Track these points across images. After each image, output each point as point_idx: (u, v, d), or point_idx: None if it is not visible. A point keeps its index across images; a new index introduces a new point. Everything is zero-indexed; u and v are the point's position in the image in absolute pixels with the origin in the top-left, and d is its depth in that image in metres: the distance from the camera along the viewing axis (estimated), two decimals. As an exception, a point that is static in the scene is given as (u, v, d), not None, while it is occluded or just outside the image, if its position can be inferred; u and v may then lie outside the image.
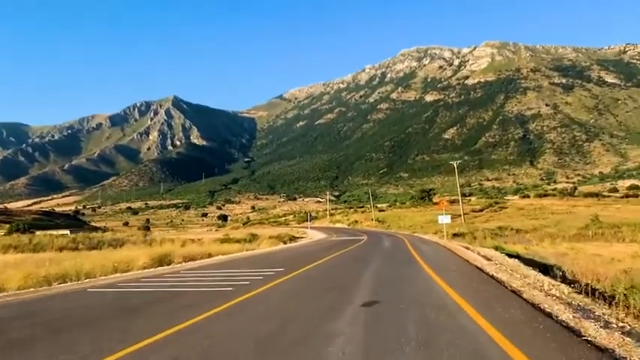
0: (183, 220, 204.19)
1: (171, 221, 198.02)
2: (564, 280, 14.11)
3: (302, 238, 62.43)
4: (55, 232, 69.10)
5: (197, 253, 29.35)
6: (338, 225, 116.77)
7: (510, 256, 22.62)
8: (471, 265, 19.41)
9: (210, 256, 29.42)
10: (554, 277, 14.55)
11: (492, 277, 14.87)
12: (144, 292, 13.84)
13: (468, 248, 29.57)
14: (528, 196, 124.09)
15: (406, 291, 12.66)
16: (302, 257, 26.90)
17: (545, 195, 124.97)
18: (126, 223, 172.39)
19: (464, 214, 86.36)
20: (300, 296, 12.44)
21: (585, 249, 29.73)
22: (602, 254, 26.05)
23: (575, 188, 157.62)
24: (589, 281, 12.91)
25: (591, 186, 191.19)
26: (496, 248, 27.10)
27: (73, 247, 39.64)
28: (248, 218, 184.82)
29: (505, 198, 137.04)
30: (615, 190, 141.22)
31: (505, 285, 12.83)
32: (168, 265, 23.93)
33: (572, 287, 11.89)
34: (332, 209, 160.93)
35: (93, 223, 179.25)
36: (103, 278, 18.11)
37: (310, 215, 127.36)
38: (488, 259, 20.75)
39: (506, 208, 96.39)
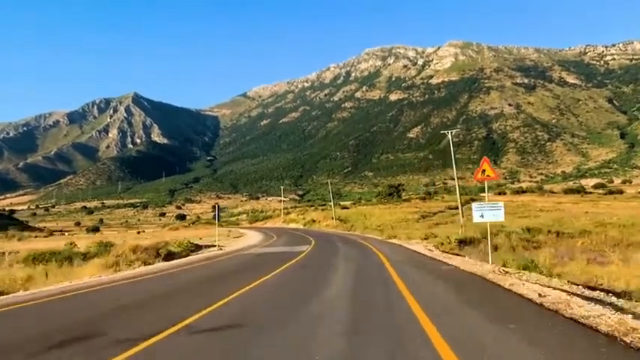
0: (139, 220, 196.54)
1: (127, 221, 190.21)
2: None
3: (212, 247, 40.65)
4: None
5: None
6: (291, 225, 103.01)
7: None
8: None
9: None
10: None
11: None
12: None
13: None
14: (504, 193, 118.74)
15: None
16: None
17: (524, 192, 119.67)
18: (77, 224, 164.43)
19: (440, 211, 79.47)
20: None
21: None
22: None
23: (541, 188, 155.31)
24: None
25: (555, 185, 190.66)
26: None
27: None
28: (199, 217, 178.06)
29: (481, 195, 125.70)
30: (582, 188, 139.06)
31: None
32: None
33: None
34: (291, 207, 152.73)
35: (43, 224, 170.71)
36: None
37: (263, 213, 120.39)
38: None
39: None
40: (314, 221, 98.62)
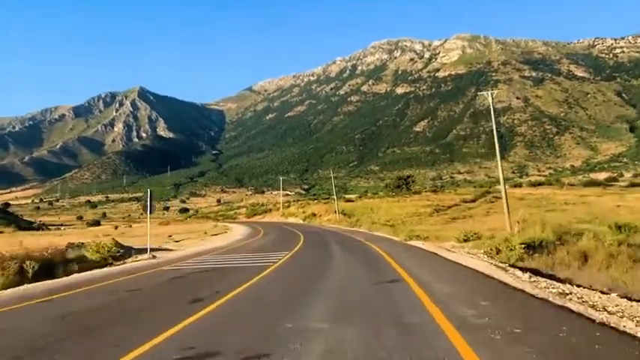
0: (142, 214, 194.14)
1: (129, 215, 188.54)
2: None
3: (168, 250, 33.75)
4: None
5: None
6: (290, 220, 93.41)
7: None
8: None
9: None
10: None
11: None
12: None
13: None
14: (520, 186, 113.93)
15: None
16: None
17: (540, 184, 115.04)
18: (80, 217, 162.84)
19: (454, 205, 74.07)
20: None
21: None
22: None
23: (558, 180, 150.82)
24: None
25: (564, 178, 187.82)
26: None
27: None
28: (197, 211, 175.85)
29: (496, 187, 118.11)
30: (604, 181, 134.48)
31: None
32: None
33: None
34: (294, 201, 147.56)
35: (46, 218, 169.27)
36: None
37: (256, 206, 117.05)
38: None
39: (501, 198, 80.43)
40: (314, 215, 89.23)
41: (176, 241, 44.04)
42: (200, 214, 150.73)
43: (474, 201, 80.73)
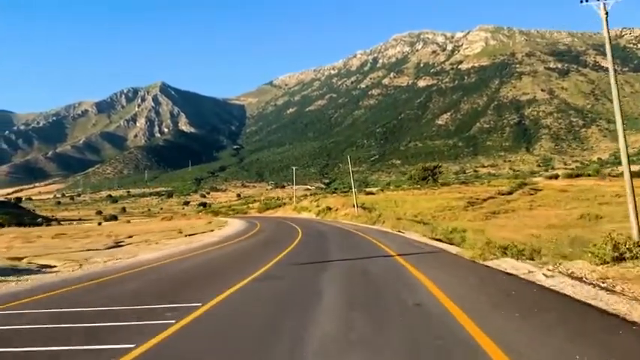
0: (162, 208, 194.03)
1: (149, 210, 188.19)
2: None
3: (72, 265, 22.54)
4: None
5: None
6: (303, 215, 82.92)
7: None
8: None
9: None
10: None
11: None
12: None
13: None
14: (557, 177, 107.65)
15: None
16: None
17: (578, 175, 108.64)
18: (99, 212, 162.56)
19: (490, 197, 68.88)
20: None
21: None
22: None
23: (599, 171, 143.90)
24: None
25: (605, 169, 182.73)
26: None
27: None
28: (208, 205, 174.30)
29: (533, 179, 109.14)
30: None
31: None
32: None
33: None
34: (311, 194, 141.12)
35: (65, 213, 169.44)
36: None
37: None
38: None
39: (540, 190, 75.59)
40: (330, 209, 77.48)
41: (118, 245, 35.86)
42: (211, 209, 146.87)
43: (510, 193, 74.42)
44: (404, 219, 44.94)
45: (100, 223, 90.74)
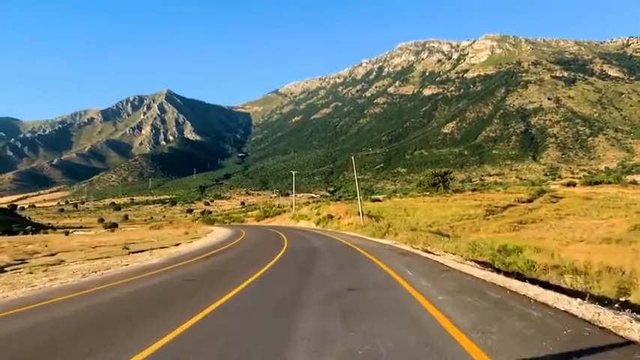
0: (164, 216, 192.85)
1: (152, 217, 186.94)
2: None
3: None
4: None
5: None
6: (301, 223, 75.13)
7: None
8: None
9: None
10: None
11: None
12: None
13: None
14: (574, 184, 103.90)
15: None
16: None
17: (597, 183, 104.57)
18: (101, 220, 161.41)
19: (509, 205, 64.49)
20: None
21: None
22: None
23: (620, 178, 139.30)
24: None
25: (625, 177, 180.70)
26: None
27: None
28: (207, 213, 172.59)
29: (552, 187, 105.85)
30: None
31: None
32: None
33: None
34: (312, 202, 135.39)
35: (67, 220, 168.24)
36: None
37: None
38: None
39: (561, 197, 72.17)
40: (331, 217, 67.73)
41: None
42: (207, 217, 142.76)
43: (530, 201, 70.42)
44: (419, 230, 37.37)
45: (67, 233, 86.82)
